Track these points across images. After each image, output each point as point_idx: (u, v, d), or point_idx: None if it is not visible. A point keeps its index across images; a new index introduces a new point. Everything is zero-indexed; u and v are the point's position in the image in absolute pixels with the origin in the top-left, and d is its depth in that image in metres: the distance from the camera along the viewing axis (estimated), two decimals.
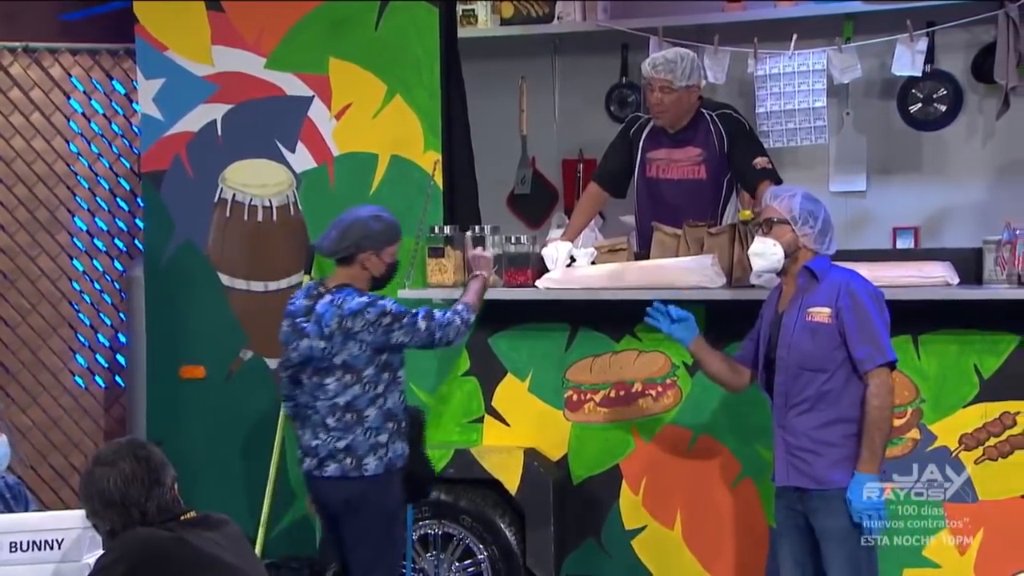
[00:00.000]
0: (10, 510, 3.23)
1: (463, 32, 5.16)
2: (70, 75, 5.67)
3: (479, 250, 4.26)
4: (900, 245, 5.37)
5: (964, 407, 4.07)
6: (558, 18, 5.52)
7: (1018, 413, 4.02)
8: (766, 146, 4.83)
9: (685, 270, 4.25)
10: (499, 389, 4.56)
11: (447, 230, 4.51)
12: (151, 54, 4.97)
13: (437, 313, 3.77)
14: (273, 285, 4.92)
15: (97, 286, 5.75)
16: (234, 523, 2.76)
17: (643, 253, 4.57)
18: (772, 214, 3.63)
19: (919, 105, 5.38)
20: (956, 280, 4.04)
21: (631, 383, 4.42)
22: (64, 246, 5.67)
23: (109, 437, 5.36)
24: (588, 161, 5.67)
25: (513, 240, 4.53)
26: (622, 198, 4.88)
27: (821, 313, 3.51)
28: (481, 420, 4.56)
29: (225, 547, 2.63)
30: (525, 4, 5.51)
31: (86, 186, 5.71)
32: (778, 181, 4.52)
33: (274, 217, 4.89)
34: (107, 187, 5.75)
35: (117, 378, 5.74)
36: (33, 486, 5.33)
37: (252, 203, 4.91)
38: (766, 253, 3.62)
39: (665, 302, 3.88)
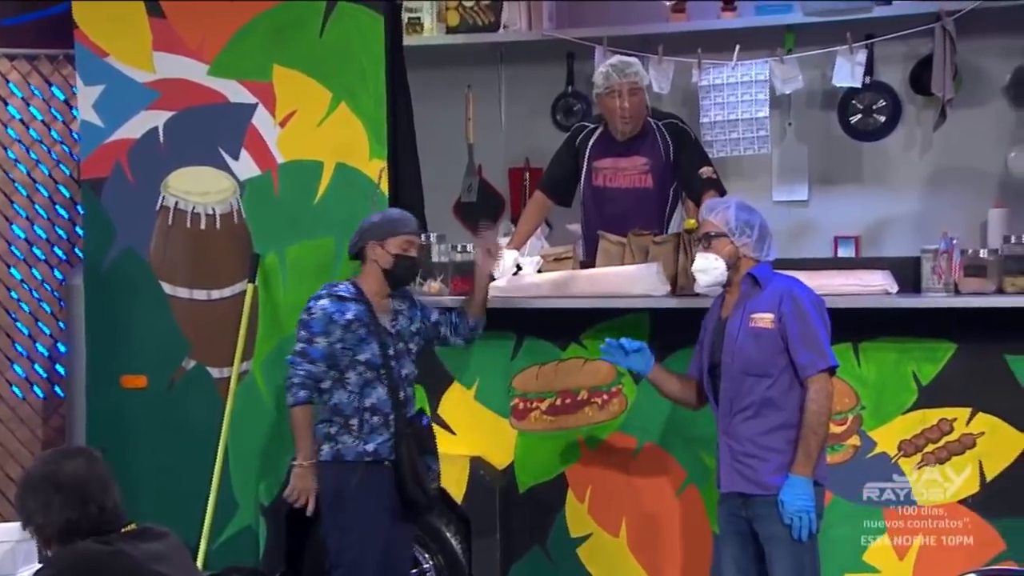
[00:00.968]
0: None
1: (409, 40, 5.15)
2: (8, 80, 5.57)
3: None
4: (841, 254, 5.44)
5: (903, 414, 4.14)
6: (504, 27, 5.53)
7: (955, 419, 4.09)
8: (710, 155, 4.89)
9: (630, 278, 4.28)
10: (445, 397, 4.56)
11: None
12: (91, 60, 4.90)
13: (300, 370, 3.79)
14: (216, 293, 4.86)
15: (36, 295, 5.64)
16: (174, 534, 2.72)
17: (589, 261, 4.60)
18: (710, 228, 3.67)
19: (859, 116, 5.48)
20: (895, 288, 4.11)
21: (577, 391, 4.44)
22: (1, 254, 5.57)
23: (47, 447, 5.26)
24: (534, 169, 5.69)
25: (459, 248, 4.53)
26: (568, 207, 4.91)
27: (764, 319, 3.55)
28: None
29: (165, 559, 2.59)
30: (471, 13, 5.52)
31: (24, 193, 5.60)
32: (723, 191, 4.57)
33: (217, 225, 4.84)
34: (46, 194, 5.66)
35: (56, 388, 5.64)
36: None
37: (195, 210, 4.85)
38: (709, 269, 3.65)
39: (618, 338, 3.85)
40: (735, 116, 5.23)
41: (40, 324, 5.65)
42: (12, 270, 5.59)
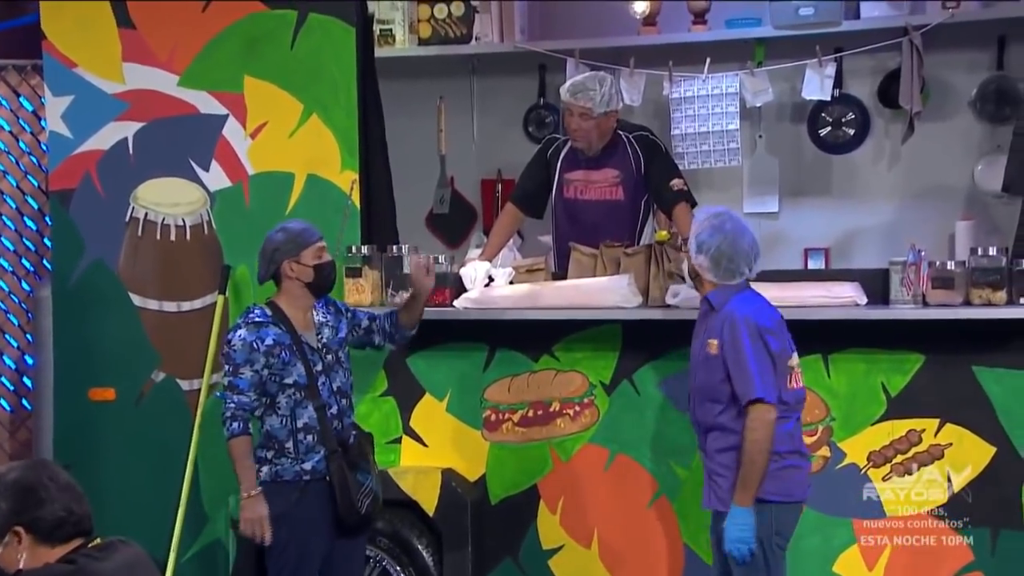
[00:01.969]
0: None
1: (381, 52, 5.14)
2: None
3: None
4: (811, 266, 5.48)
5: (872, 425, 4.16)
6: (476, 39, 5.54)
7: (923, 430, 4.12)
8: (681, 168, 4.90)
9: (602, 290, 4.28)
10: (417, 409, 4.54)
11: (364, 250, 4.49)
12: (59, 71, 4.86)
13: (231, 403, 3.76)
14: (187, 305, 4.83)
15: (3, 306, 5.59)
16: (141, 549, 2.70)
17: (561, 273, 4.60)
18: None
19: (828, 129, 5.52)
20: (864, 300, 4.14)
21: (549, 403, 4.44)
22: None
23: (14, 460, 5.20)
24: (507, 181, 5.69)
25: (433, 260, 4.51)
26: (539, 219, 4.91)
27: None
28: (399, 441, 4.53)
29: (131, 573, 2.57)
30: (443, 24, 5.52)
31: None
32: (693, 202, 4.59)
33: (188, 236, 4.81)
34: (13, 205, 5.61)
35: (24, 401, 5.58)
36: None
37: (165, 222, 4.82)
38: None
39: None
40: (706, 128, 5.25)
41: (7, 336, 5.59)
42: None
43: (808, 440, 4.09)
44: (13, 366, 5.60)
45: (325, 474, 3.79)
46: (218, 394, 3.88)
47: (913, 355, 4.12)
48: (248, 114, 4.73)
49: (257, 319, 3.82)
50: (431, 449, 4.53)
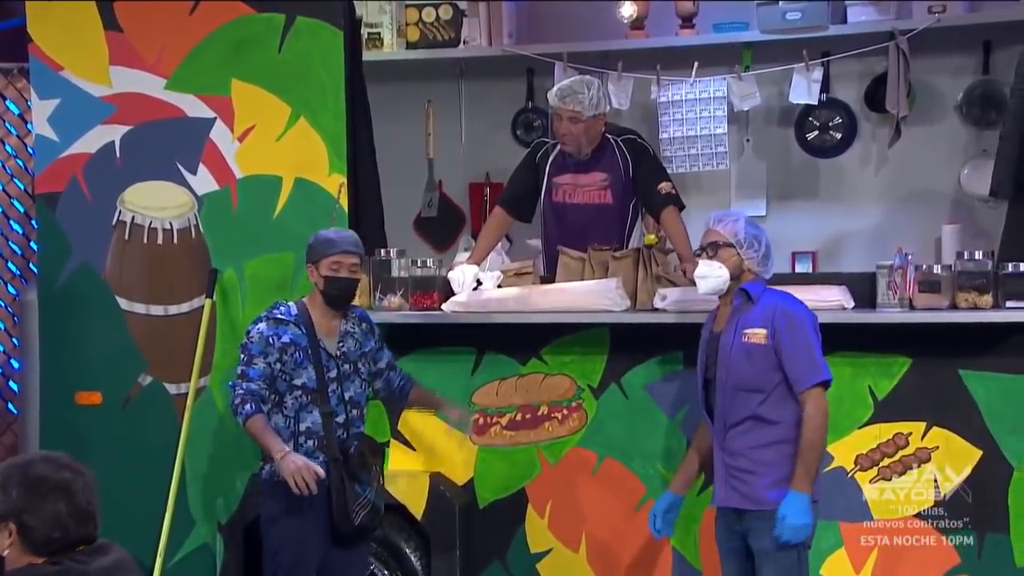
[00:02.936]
0: None
1: (368, 55, 5.13)
2: None
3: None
4: (799, 269, 5.48)
5: (859, 428, 4.17)
6: (464, 43, 5.53)
7: (910, 434, 4.14)
8: (669, 171, 4.91)
9: (590, 293, 4.29)
10: (405, 413, 4.54)
11: None
12: (46, 73, 4.84)
13: (240, 390, 3.75)
14: (174, 309, 4.82)
15: None
16: (126, 552, 2.69)
17: (549, 277, 4.60)
18: (717, 238, 3.69)
19: (816, 133, 5.53)
20: (851, 304, 4.15)
21: (537, 406, 4.44)
22: None
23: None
24: (495, 185, 5.69)
25: (419, 263, 4.52)
26: (528, 222, 4.91)
27: (757, 334, 3.58)
28: (387, 445, 4.52)
29: None
30: (431, 28, 5.52)
31: None
32: (681, 206, 4.60)
33: (175, 240, 4.80)
34: (0, 209, 5.58)
35: (10, 405, 5.56)
36: None
37: (152, 226, 4.81)
38: (711, 276, 3.67)
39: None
40: (694, 132, 5.26)
41: None
42: None
43: None
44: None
45: (323, 481, 3.77)
46: (229, 383, 3.87)
47: (900, 358, 4.14)
48: (236, 117, 4.72)
49: (279, 315, 3.83)
50: (419, 453, 4.53)
